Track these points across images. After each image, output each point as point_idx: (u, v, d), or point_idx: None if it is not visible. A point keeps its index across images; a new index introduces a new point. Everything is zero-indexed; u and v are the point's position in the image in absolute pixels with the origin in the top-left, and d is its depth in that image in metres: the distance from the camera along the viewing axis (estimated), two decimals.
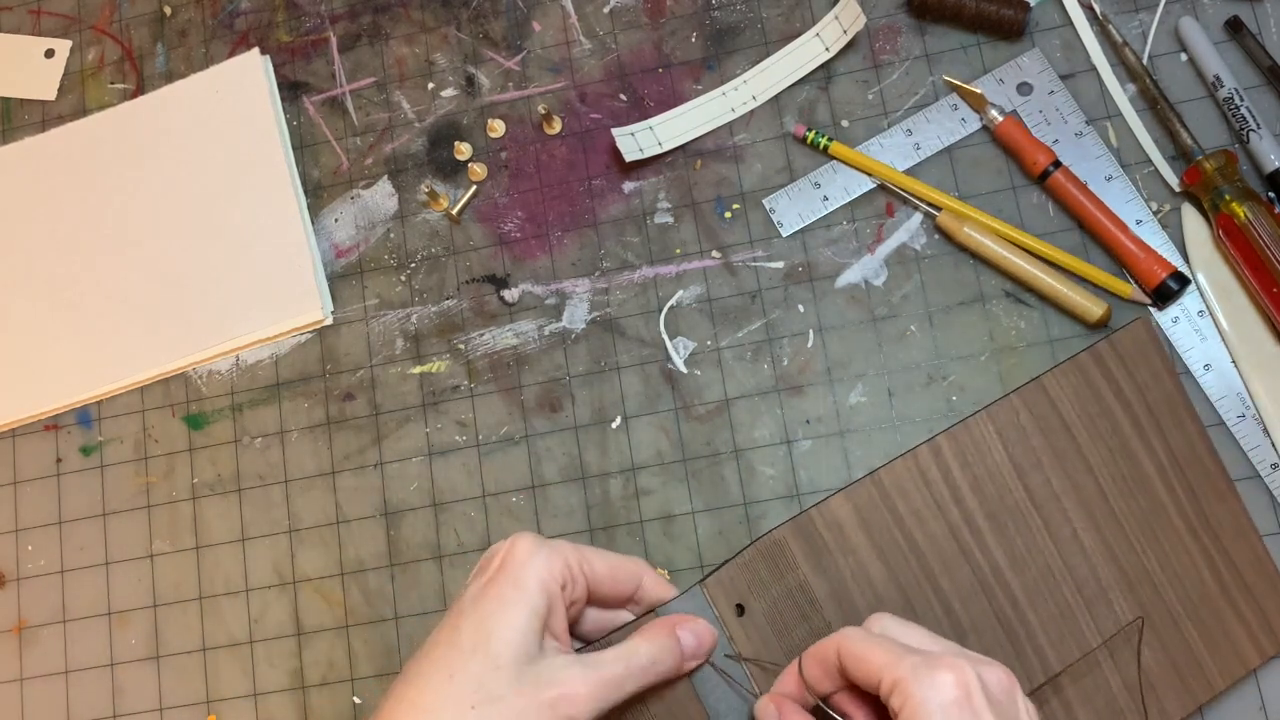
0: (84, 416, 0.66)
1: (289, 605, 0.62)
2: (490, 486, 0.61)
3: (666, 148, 0.63)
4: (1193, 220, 0.57)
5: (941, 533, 0.48)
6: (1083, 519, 0.49)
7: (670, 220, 0.63)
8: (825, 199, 0.61)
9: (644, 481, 0.60)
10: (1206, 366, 0.56)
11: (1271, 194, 0.56)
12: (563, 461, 0.61)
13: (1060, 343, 0.57)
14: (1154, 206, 0.58)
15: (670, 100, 0.64)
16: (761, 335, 0.60)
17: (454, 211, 0.64)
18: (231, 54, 0.70)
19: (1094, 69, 0.60)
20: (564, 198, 0.64)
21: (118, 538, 0.64)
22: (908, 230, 0.60)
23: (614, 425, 0.61)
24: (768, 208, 0.61)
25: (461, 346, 0.63)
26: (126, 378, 0.66)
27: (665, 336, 0.61)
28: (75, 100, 0.72)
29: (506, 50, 0.67)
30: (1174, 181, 0.58)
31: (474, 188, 0.65)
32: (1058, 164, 0.58)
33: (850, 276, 0.60)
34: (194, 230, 0.67)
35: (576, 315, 0.62)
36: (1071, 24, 0.61)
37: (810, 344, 0.60)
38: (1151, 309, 0.57)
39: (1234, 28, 0.59)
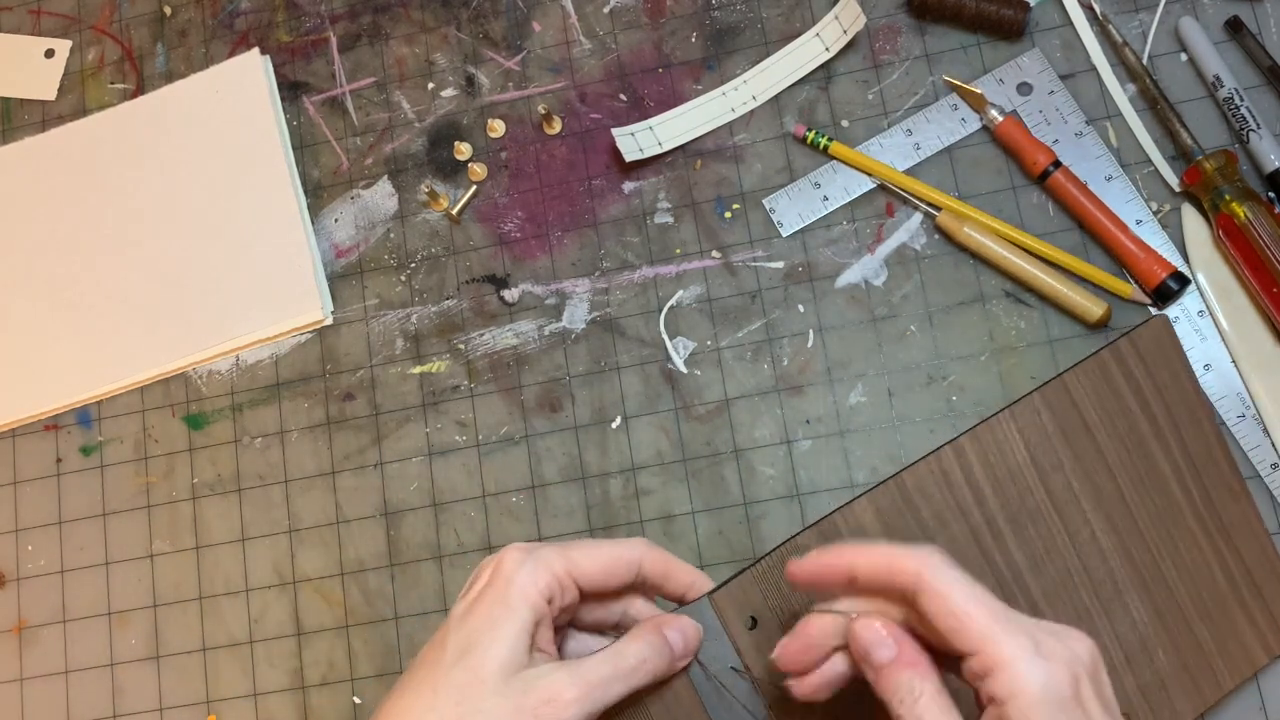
0: (84, 416, 0.66)
1: (289, 605, 0.62)
2: (490, 486, 0.61)
3: (666, 148, 0.63)
4: (1193, 220, 0.57)
5: (963, 535, 0.47)
6: (1101, 520, 0.49)
7: (670, 220, 0.63)
8: (825, 199, 0.61)
9: (644, 481, 0.60)
10: (1206, 366, 0.56)
11: (1271, 194, 0.56)
12: (563, 461, 0.61)
13: (1060, 343, 0.57)
14: (1154, 206, 0.58)
15: (670, 100, 0.64)
16: (761, 335, 0.60)
17: (454, 211, 0.64)
18: (231, 54, 0.70)
19: (1094, 69, 0.60)
20: (564, 198, 0.64)
21: (118, 538, 0.64)
22: (908, 230, 0.60)
23: (614, 425, 0.61)
24: (768, 208, 0.61)
25: (461, 346, 0.63)
26: (126, 378, 0.66)
27: (665, 336, 0.61)
28: (75, 100, 0.72)
29: (506, 50, 0.67)
30: (1174, 181, 0.58)
31: (474, 188, 0.65)
32: (1058, 164, 0.58)
33: (850, 276, 0.60)
34: (194, 230, 0.67)
35: (576, 315, 0.62)
36: (1071, 24, 0.61)
37: (810, 344, 0.60)
38: (1152, 309, 0.57)
39: (1234, 28, 0.59)
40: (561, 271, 0.63)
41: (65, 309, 0.68)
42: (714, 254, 0.62)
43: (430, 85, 0.67)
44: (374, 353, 0.64)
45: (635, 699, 0.42)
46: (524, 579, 0.40)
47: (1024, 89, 0.60)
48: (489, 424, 0.62)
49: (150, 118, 0.70)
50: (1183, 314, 0.57)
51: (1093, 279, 0.57)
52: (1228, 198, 0.55)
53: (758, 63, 0.63)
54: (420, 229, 0.65)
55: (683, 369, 0.61)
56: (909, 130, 0.61)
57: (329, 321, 0.65)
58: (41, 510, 0.66)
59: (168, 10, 0.72)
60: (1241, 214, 0.54)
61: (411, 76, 0.67)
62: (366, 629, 0.61)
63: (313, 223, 0.66)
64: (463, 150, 0.66)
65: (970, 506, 0.48)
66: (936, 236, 0.60)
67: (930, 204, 0.59)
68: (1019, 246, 0.58)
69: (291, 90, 0.69)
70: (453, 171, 0.66)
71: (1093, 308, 0.56)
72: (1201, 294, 0.57)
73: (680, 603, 0.45)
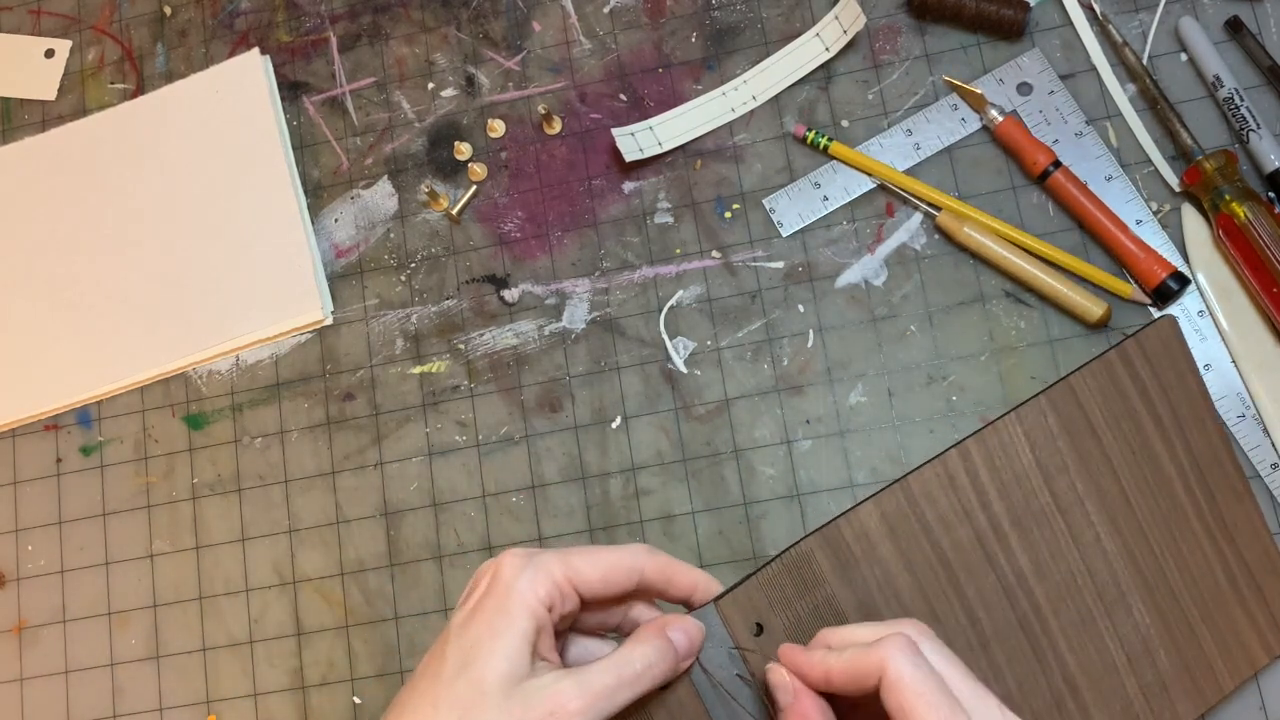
0: (84, 416, 0.66)
1: (289, 605, 0.62)
2: (490, 486, 0.61)
3: (666, 148, 0.63)
4: (1193, 220, 0.57)
5: (968, 539, 0.47)
6: (1105, 523, 0.49)
7: (670, 220, 0.63)
8: (825, 199, 0.61)
9: (644, 481, 0.60)
10: (1206, 366, 0.56)
11: (1271, 194, 0.56)
12: (563, 461, 0.61)
13: (1060, 343, 0.57)
14: (1154, 206, 0.58)
15: (670, 100, 0.64)
16: (761, 335, 0.60)
17: (454, 211, 0.64)
18: (231, 54, 0.70)
19: (1094, 69, 0.60)
20: (564, 198, 0.64)
21: (118, 538, 0.64)
22: (908, 230, 0.60)
23: (614, 425, 0.61)
24: (768, 208, 0.61)
25: (461, 346, 0.63)
26: (126, 378, 0.66)
27: (665, 336, 0.61)
28: (75, 100, 0.72)
29: (506, 50, 0.67)
30: (1174, 181, 0.58)
31: (474, 188, 0.65)
32: (1058, 164, 0.58)
33: (850, 276, 0.60)
34: (194, 230, 0.67)
35: (576, 315, 0.62)
36: (1071, 24, 0.61)
37: (810, 344, 0.60)
38: (1152, 309, 0.57)
39: (1234, 28, 0.59)
40: (561, 271, 0.63)
41: (65, 309, 0.68)
42: (714, 254, 0.62)
43: (430, 85, 0.67)
44: (374, 353, 0.64)
45: (638, 704, 0.41)
46: (524, 586, 0.39)
47: (1024, 89, 0.60)
48: (489, 424, 0.62)
49: (150, 118, 0.70)
50: (1183, 314, 0.57)
51: (1093, 279, 0.57)
52: (1228, 198, 0.55)
53: (758, 63, 0.63)
54: (420, 229, 0.65)
55: (683, 369, 0.61)
56: (909, 130, 0.61)
57: (329, 321, 0.65)
58: (41, 510, 0.66)
59: (168, 10, 0.72)
60: (1241, 214, 0.54)
61: (411, 76, 0.67)
62: (366, 629, 0.61)
63: (313, 223, 0.66)
64: (463, 150, 0.66)
65: (975, 510, 0.48)
66: (936, 236, 0.60)
67: (930, 204, 0.59)
68: (1019, 246, 0.58)
69: (291, 90, 0.69)
70: (453, 171, 0.66)
71: (1093, 308, 0.56)
72: (1201, 294, 0.57)
73: (686, 607, 0.44)
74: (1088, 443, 0.49)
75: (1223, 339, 0.56)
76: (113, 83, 0.71)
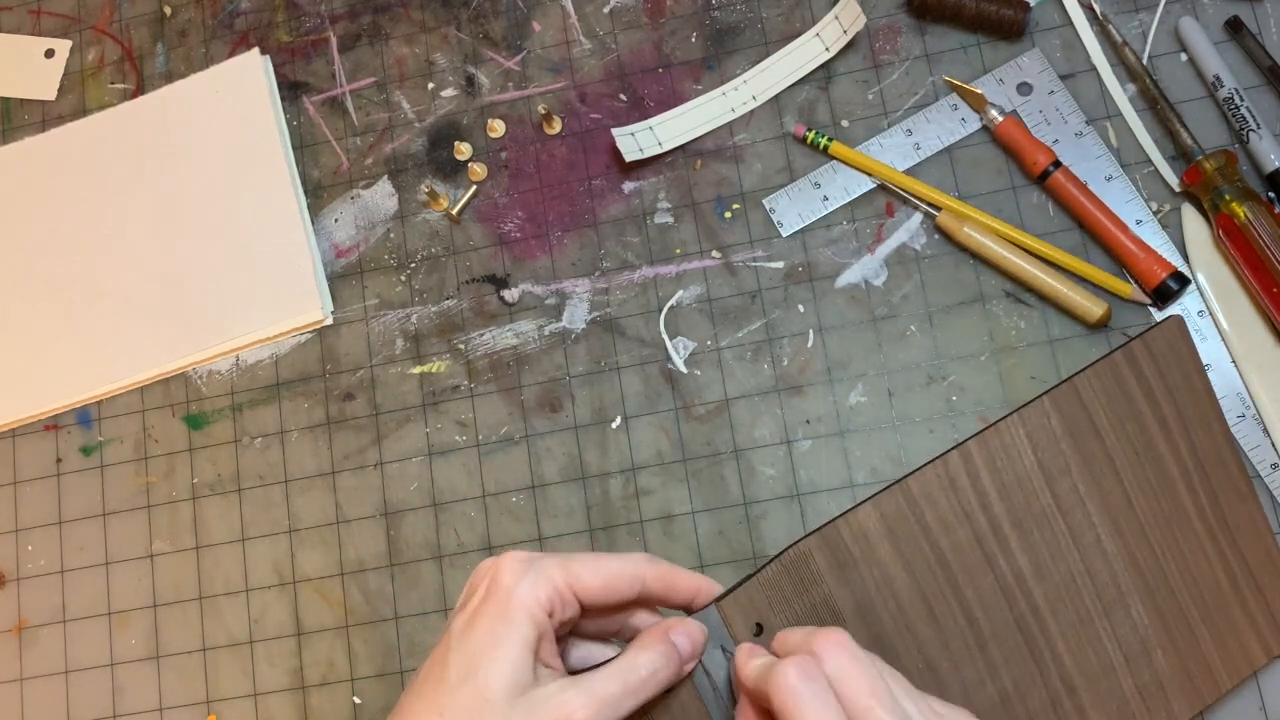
0: (84, 416, 0.66)
1: (289, 605, 0.62)
2: (490, 486, 0.61)
3: (666, 148, 0.63)
4: (1193, 220, 0.57)
5: (967, 541, 0.47)
6: (1106, 524, 0.49)
7: (670, 220, 0.63)
8: (825, 199, 0.61)
9: (644, 481, 0.60)
10: (1207, 366, 0.56)
11: (1271, 194, 0.56)
12: (563, 461, 0.61)
13: (1060, 343, 0.57)
14: (1154, 206, 0.58)
15: (670, 100, 0.64)
16: (761, 335, 0.60)
17: (454, 211, 0.64)
18: (231, 54, 0.70)
19: (1094, 69, 0.60)
20: (564, 198, 0.64)
21: (118, 538, 0.64)
22: (908, 230, 0.60)
23: (614, 425, 0.61)
24: (768, 208, 0.61)
25: (461, 346, 0.63)
26: (126, 378, 0.66)
27: (665, 336, 0.61)
28: (75, 100, 0.72)
29: (506, 50, 0.67)
30: (1174, 181, 0.58)
31: (474, 188, 0.65)
32: (1058, 164, 0.58)
33: (850, 276, 0.60)
34: (194, 230, 0.67)
35: (576, 315, 0.62)
36: (1071, 24, 0.61)
37: (810, 344, 0.60)
38: (1152, 309, 0.57)
39: (1234, 28, 0.59)
40: (561, 271, 0.63)
41: (65, 309, 0.68)
42: (714, 254, 0.62)
43: (430, 85, 0.67)
44: (374, 353, 0.64)
45: (642, 709, 0.41)
46: (525, 591, 0.39)
47: (1024, 89, 0.60)
48: (489, 424, 0.62)
49: (150, 118, 0.70)
50: (1183, 314, 0.57)
51: (1093, 279, 0.57)
52: (1228, 198, 0.55)
53: (758, 63, 0.63)
54: (420, 229, 0.65)
55: (683, 369, 0.61)
56: (909, 130, 0.61)
57: (329, 321, 0.65)
58: (41, 510, 0.66)
59: (168, 10, 0.72)
60: (1241, 214, 0.54)
61: (411, 76, 0.67)
62: (366, 629, 0.61)
63: (313, 223, 0.66)
64: (463, 150, 0.66)
65: (975, 511, 0.47)
66: (936, 236, 0.60)
67: (930, 204, 0.59)
68: (1019, 246, 0.58)
69: (291, 90, 0.69)
70: (453, 171, 0.66)
71: (1093, 308, 0.56)
72: (1201, 294, 0.57)
73: (687, 611, 0.44)
74: (1091, 444, 0.49)
75: (1223, 339, 0.56)
76: (113, 83, 0.71)
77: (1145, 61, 0.60)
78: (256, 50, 0.69)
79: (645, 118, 0.64)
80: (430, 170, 0.66)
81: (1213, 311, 0.56)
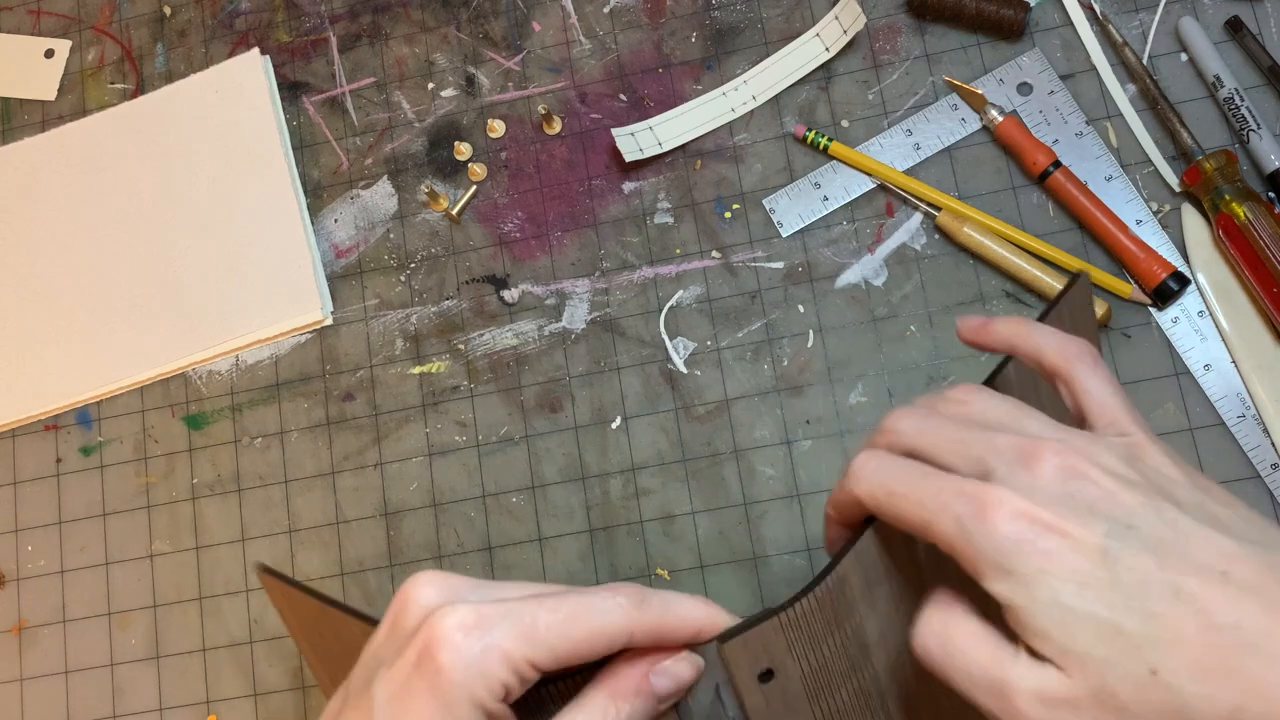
0: (84, 416, 0.66)
1: None
2: (490, 487, 0.61)
3: (666, 148, 0.63)
4: (1193, 220, 0.57)
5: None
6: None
7: (670, 220, 0.63)
8: (825, 199, 0.61)
9: (644, 482, 0.60)
10: (1206, 366, 0.56)
11: (1271, 194, 0.56)
12: (563, 461, 0.61)
13: None
14: (1154, 206, 0.58)
15: (670, 100, 0.64)
16: (761, 335, 0.60)
17: (454, 211, 0.64)
18: (231, 54, 0.70)
19: (1094, 69, 0.60)
20: (564, 198, 0.64)
21: (118, 538, 0.64)
22: (908, 230, 0.60)
23: (614, 425, 0.61)
24: (768, 208, 0.61)
25: (461, 346, 0.63)
26: (126, 378, 0.66)
27: (665, 336, 0.61)
28: (75, 100, 0.72)
29: (506, 50, 0.67)
30: (1174, 181, 0.58)
31: (474, 188, 0.65)
32: (1058, 164, 0.58)
33: (850, 276, 0.60)
34: (194, 230, 0.67)
35: (576, 315, 0.62)
36: (1071, 24, 0.61)
37: (810, 344, 0.60)
38: (1152, 309, 0.57)
39: (1234, 28, 0.59)
40: (561, 271, 0.63)
41: (65, 309, 0.68)
42: (714, 254, 0.62)
43: (430, 85, 0.67)
44: (374, 353, 0.64)
45: None
46: (472, 678, 0.30)
47: (1024, 89, 0.60)
48: (489, 424, 0.62)
49: (150, 118, 0.70)
50: (1183, 314, 0.57)
51: (1092, 279, 0.57)
52: (1228, 198, 0.55)
53: (758, 63, 0.63)
54: (420, 229, 0.65)
55: (683, 369, 0.61)
56: (909, 130, 0.61)
57: (329, 322, 0.65)
58: (41, 510, 0.66)
59: (168, 10, 0.72)
60: (1241, 214, 0.54)
61: (411, 76, 0.67)
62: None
63: (313, 223, 0.66)
64: (463, 150, 0.66)
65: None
66: (936, 236, 0.60)
67: (930, 204, 0.59)
68: (1019, 246, 0.58)
69: (291, 90, 0.69)
70: (453, 171, 0.66)
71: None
72: (1201, 294, 0.57)
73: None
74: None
75: (1223, 339, 0.56)
76: (113, 83, 0.71)
77: (1145, 61, 0.60)
78: (256, 50, 0.69)
79: (645, 118, 0.64)
80: (430, 170, 0.66)
81: (1213, 311, 0.56)
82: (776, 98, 0.63)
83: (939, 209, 0.59)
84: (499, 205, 0.65)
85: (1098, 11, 0.60)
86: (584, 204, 0.64)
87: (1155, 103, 0.58)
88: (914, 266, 0.60)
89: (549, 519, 0.60)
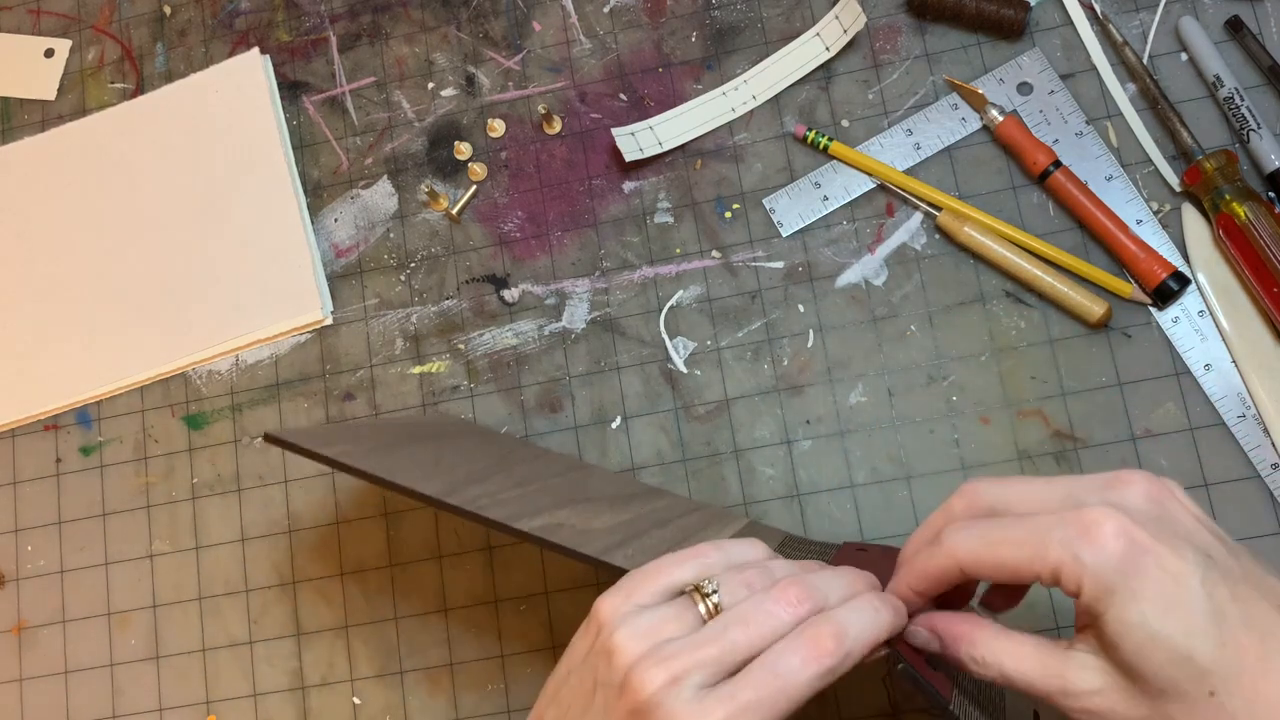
0: (84, 416, 0.66)
1: (289, 605, 0.62)
2: None
3: (666, 148, 0.63)
4: (1193, 220, 0.57)
5: None
6: None
7: (670, 220, 0.63)
8: (825, 199, 0.61)
9: (644, 481, 0.59)
10: (1206, 366, 0.56)
11: (1272, 194, 0.56)
12: None
13: (1060, 343, 0.57)
14: (1154, 206, 0.58)
15: (670, 100, 0.64)
16: (761, 335, 0.60)
17: (454, 211, 0.64)
18: (231, 54, 0.70)
19: (1094, 69, 0.60)
20: (564, 198, 0.64)
21: (117, 538, 0.64)
22: (908, 230, 0.60)
23: (614, 425, 0.61)
24: (768, 208, 0.61)
25: (461, 346, 0.63)
26: (126, 378, 0.66)
27: (665, 336, 0.61)
28: (75, 100, 0.72)
29: (506, 50, 0.67)
30: (1174, 181, 0.58)
31: (474, 188, 0.65)
32: (1058, 164, 0.58)
33: (850, 276, 0.60)
34: (194, 230, 0.67)
35: (576, 315, 0.62)
36: (1071, 24, 0.61)
37: (810, 344, 0.60)
38: (1152, 309, 0.57)
39: (1234, 28, 0.59)
40: (561, 271, 0.63)
41: (65, 309, 0.68)
42: (714, 254, 0.62)
43: (430, 85, 0.67)
44: (374, 353, 0.64)
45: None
46: None
47: (1024, 89, 0.60)
48: (489, 424, 0.62)
49: (150, 118, 0.70)
50: (1183, 314, 0.57)
51: (1093, 279, 0.57)
52: (1228, 197, 0.55)
53: (758, 63, 0.63)
54: (420, 229, 0.65)
55: (683, 369, 0.61)
56: (909, 130, 0.61)
57: (329, 321, 0.65)
58: (41, 510, 0.66)
59: (168, 10, 0.72)
60: (1242, 214, 0.54)
61: (411, 76, 0.67)
62: (366, 629, 0.61)
63: (313, 222, 0.66)
64: (463, 150, 0.66)
65: None
66: (937, 236, 0.60)
67: (930, 204, 0.59)
68: (1019, 246, 0.58)
69: (291, 90, 0.69)
70: (453, 171, 0.66)
71: (1093, 307, 0.56)
72: (1201, 294, 0.57)
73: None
74: None
75: (1223, 339, 0.56)
76: (113, 82, 0.71)
77: (1145, 61, 0.59)
78: (256, 50, 0.69)
79: (645, 118, 0.64)
80: (430, 170, 0.66)
81: (1213, 311, 0.56)
82: (776, 97, 0.63)
83: (939, 209, 0.59)
84: (499, 205, 0.65)
85: (1098, 11, 0.60)
86: (584, 204, 0.64)
87: (1155, 102, 0.58)
88: (914, 266, 0.60)
89: None
